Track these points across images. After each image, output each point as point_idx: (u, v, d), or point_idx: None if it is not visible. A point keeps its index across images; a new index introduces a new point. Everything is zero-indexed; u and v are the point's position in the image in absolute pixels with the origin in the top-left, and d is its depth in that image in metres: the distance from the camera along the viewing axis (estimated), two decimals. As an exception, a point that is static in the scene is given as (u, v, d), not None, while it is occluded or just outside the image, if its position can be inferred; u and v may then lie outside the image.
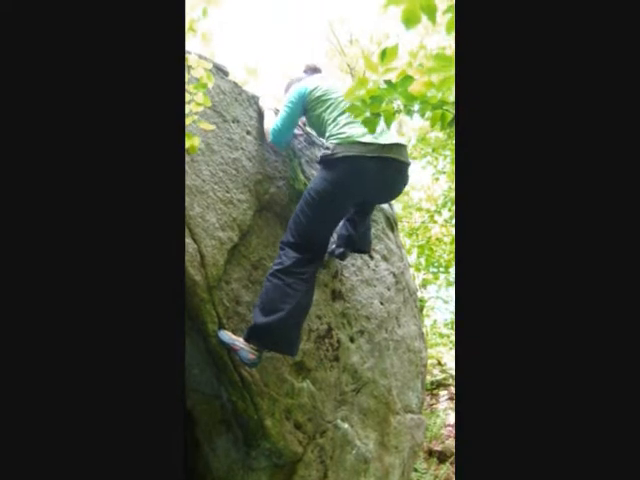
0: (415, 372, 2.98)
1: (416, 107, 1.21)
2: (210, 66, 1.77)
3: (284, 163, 2.47)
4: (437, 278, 6.14)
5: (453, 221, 5.49)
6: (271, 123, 2.31)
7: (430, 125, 1.29)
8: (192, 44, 1.92)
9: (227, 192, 2.16)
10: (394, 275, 2.93)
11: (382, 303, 2.77)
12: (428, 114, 1.23)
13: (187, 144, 1.65)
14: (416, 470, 3.34)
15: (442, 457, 3.58)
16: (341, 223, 2.38)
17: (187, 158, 1.96)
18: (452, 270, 5.74)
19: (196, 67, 1.72)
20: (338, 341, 2.45)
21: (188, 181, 1.98)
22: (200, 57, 1.97)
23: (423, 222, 6.00)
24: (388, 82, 1.17)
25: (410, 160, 2.20)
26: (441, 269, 5.86)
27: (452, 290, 5.91)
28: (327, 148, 2.08)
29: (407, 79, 1.14)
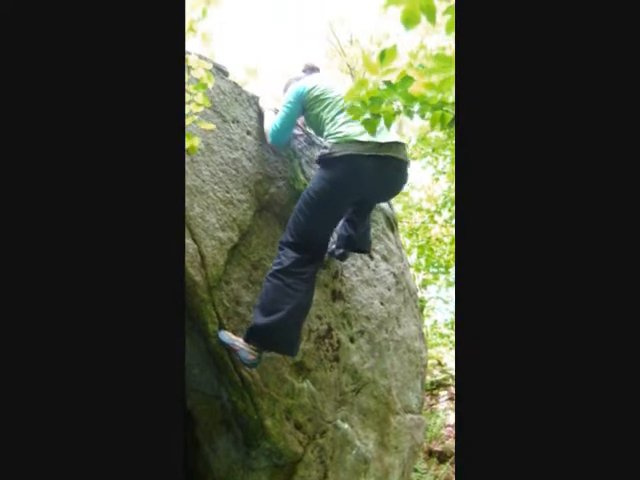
0: (415, 372, 2.98)
1: (416, 108, 1.21)
2: (210, 66, 1.77)
3: (284, 163, 2.47)
4: (437, 278, 6.14)
5: (453, 221, 5.50)
6: (270, 123, 2.31)
7: (430, 126, 1.29)
8: (192, 44, 1.92)
9: (227, 192, 2.16)
10: (394, 275, 2.93)
11: (382, 303, 2.77)
12: (428, 115, 1.24)
13: (187, 144, 1.65)
14: (416, 470, 3.34)
15: (442, 457, 3.58)
16: (340, 223, 2.38)
17: (187, 158, 1.96)
18: (452, 270, 5.74)
19: (196, 67, 1.72)
20: (338, 341, 2.45)
21: (188, 181, 1.98)
22: (200, 57, 1.97)
23: (423, 222, 6.00)
24: (388, 83, 1.18)
25: (409, 158, 2.19)
26: (441, 269, 5.85)
27: (452, 290, 5.91)
28: (325, 147, 2.08)
29: (407, 80, 1.14)
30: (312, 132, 2.58)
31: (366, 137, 1.98)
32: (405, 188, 6.35)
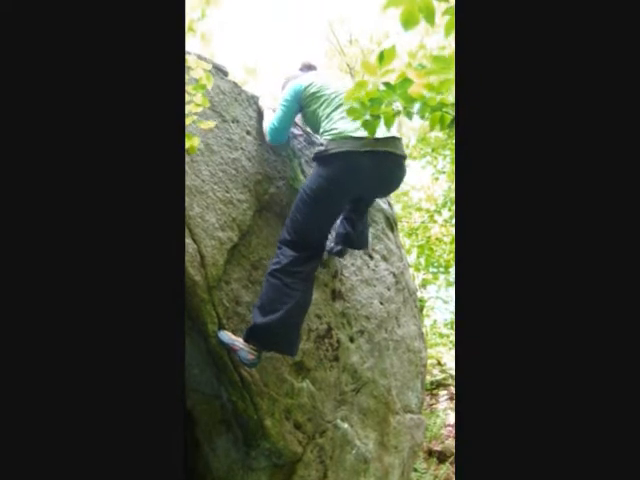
0: (415, 372, 2.98)
1: (416, 109, 1.21)
2: (209, 67, 1.77)
3: (284, 163, 2.47)
4: (437, 278, 6.14)
5: (453, 221, 5.50)
6: (269, 122, 2.31)
7: (429, 127, 1.29)
8: (191, 44, 1.93)
9: (227, 192, 2.16)
10: (394, 275, 2.93)
11: (382, 303, 2.77)
12: (427, 115, 1.24)
13: (186, 145, 1.65)
14: (416, 470, 3.34)
15: (442, 457, 3.59)
16: (338, 221, 2.38)
17: (187, 158, 1.97)
18: (452, 270, 5.74)
19: (195, 68, 1.72)
20: (338, 341, 2.45)
21: (188, 181, 1.98)
22: (199, 57, 1.98)
23: (423, 222, 6.00)
24: (387, 84, 1.18)
25: (406, 153, 2.17)
26: (441, 269, 5.85)
27: (452, 290, 5.91)
28: (321, 145, 2.07)
29: (406, 81, 1.14)
30: (309, 129, 2.57)
31: (362, 133, 1.95)
32: (405, 188, 6.38)
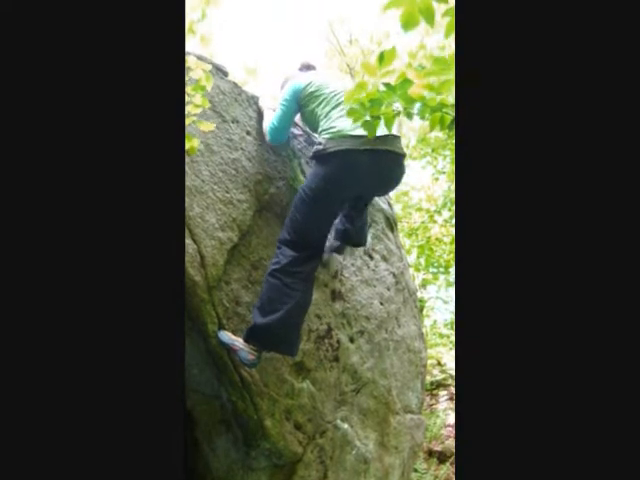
0: (415, 372, 2.98)
1: (416, 109, 1.21)
2: (209, 68, 1.77)
3: (284, 163, 2.47)
4: (437, 278, 6.14)
5: (453, 221, 5.50)
6: (268, 122, 2.31)
7: (429, 127, 1.29)
8: (191, 45, 1.92)
9: (227, 192, 2.16)
10: (394, 275, 2.93)
11: (382, 303, 2.77)
12: (428, 116, 1.24)
13: (186, 146, 1.65)
14: (416, 470, 3.34)
15: (442, 457, 3.58)
16: (337, 218, 2.38)
17: (187, 159, 1.97)
18: (452, 270, 5.74)
19: (195, 68, 1.72)
20: (338, 341, 2.45)
21: (188, 181, 1.98)
22: (199, 58, 1.97)
23: (423, 222, 6.00)
24: (387, 85, 1.18)
25: (405, 151, 2.16)
26: (441, 269, 5.85)
27: (452, 290, 5.91)
28: (319, 143, 2.07)
29: (406, 82, 1.14)
30: (307, 129, 2.57)
31: (360, 131, 1.94)
32: (405, 188, 6.38)
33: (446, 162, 5.73)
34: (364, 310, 2.63)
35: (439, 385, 4.73)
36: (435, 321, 6.37)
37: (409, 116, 1.24)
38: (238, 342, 1.91)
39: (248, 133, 2.34)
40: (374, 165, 2.01)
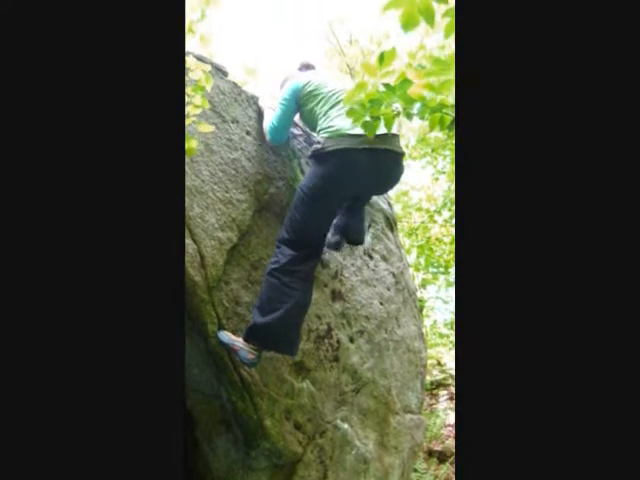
0: (415, 372, 2.99)
1: (416, 110, 1.21)
2: (208, 68, 1.77)
3: (283, 163, 2.47)
4: (437, 278, 6.14)
5: (453, 221, 5.50)
6: (268, 122, 2.31)
7: (429, 128, 1.29)
8: (191, 45, 1.92)
9: (226, 192, 2.16)
10: (394, 275, 2.93)
11: (382, 303, 2.77)
12: (427, 116, 1.24)
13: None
14: (416, 470, 3.34)
15: (442, 457, 3.58)
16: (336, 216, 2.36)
17: (187, 159, 1.97)
18: (452, 270, 5.74)
19: (194, 69, 1.72)
20: (338, 341, 2.45)
21: (188, 182, 1.98)
22: (199, 58, 1.98)
23: (423, 222, 6.00)
24: (387, 85, 1.18)
25: (403, 150, 2.16)
26: (441, 269, 5.86)
27: (452, 290, 5.92)
28: (318, 142, 2.07)
29: (406, 82, 1.14)
30: (307, 128, 2.57)
31: (358, 130, 1.94)
32: (405, 188, 6.38)
33: (446, 162, 5.73)
34: (364, 310, 2.63)
35: (439, 385, 4.73)
36: (435, 321, 6.37)
37: (409, 116, 1.24)
38: (238, 342, 1.91)
39: (248, 133, 2.34)
40: (373, 164, 2.01)
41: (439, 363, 5.16)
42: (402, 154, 2.11)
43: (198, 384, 2.18)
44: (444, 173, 5.84)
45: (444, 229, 6.04)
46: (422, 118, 1.24)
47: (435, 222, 5.98)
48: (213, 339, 1.97)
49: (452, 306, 5.75)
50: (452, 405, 4.34)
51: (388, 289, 2.86)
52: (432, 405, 4.46)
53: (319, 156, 2.05)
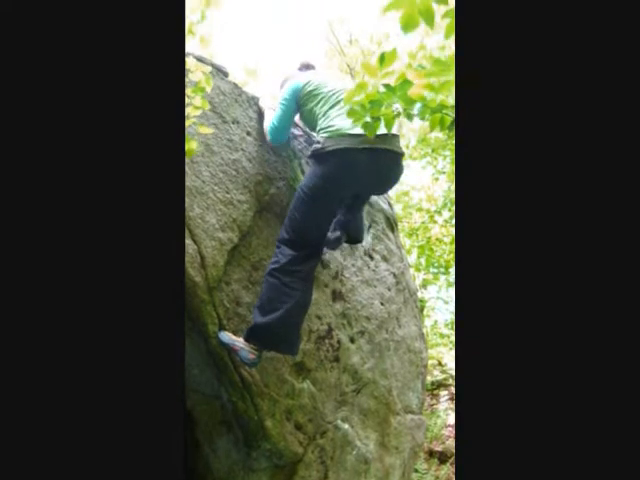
0: (415, 372, 2.98)
1: (416, 110, 1.21)
2: (209, 70, 1.77)
3: (284, 164, 2.47)
4: (437, 279, 6.14)
5: (453, 221, 5.50)
6: (268, 122, 2.31)
7: (429, 128, 1.29)
8: (191, 46, 1.93)
9: (227, 193, 2.16)
10: (394, 275, 2.93)
11: (382, 304, 2.77)
12: (428, 116, 1.24)
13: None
14: (417, 471, 3.34)
15: (443, 458, 3.58)
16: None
17: (187, 159, 1.97)
18: (452, 270, 5.74)
19: (194, 70, 1.72)
20: (338, 342, 2.45)
21: (188, 182, 1.99)
22: (199, 59, 1.98)
23: (423, 222, 6.00)
24: (387, 86, 1.18)
25: (403, 150, 2.16)
26: (441, 269, 5.86)
27: (452, 291, 5.91)
28: (318, 142, 2.07)
29: (406, 83, 1.14)
30: (306, 128, 2.57)
31: (358, 130, 1.93)
32: (405, 188, 6.37)
33: (446, 162, 5.73)
34: (364, 310, 2.63)
35: (440, 385, 4.73)
36: (436, 321, 6.37)
37: (409, 117, 1.24)
38: (239, 342, 1.92)
39: (248, 134, 2.35)
40: (372, 164, 2.01)
41: (440, 363, 5.16)
42: (402, 154, 2.12)
43: (198, 384, 2.18)
44: (444, 173, 5.84)
45: (444, 229, 6.04)
46: (422, 119, 1.24)
47: (435, 222, 5.98)
48: (213, 339, 1.97)
49: (452, 306, 5.74)
50: (453, 405, 4.34)
51: (389, 289, 2.86)
52: (433, 405, 4.46)
53: (319, 156, 2.05)
